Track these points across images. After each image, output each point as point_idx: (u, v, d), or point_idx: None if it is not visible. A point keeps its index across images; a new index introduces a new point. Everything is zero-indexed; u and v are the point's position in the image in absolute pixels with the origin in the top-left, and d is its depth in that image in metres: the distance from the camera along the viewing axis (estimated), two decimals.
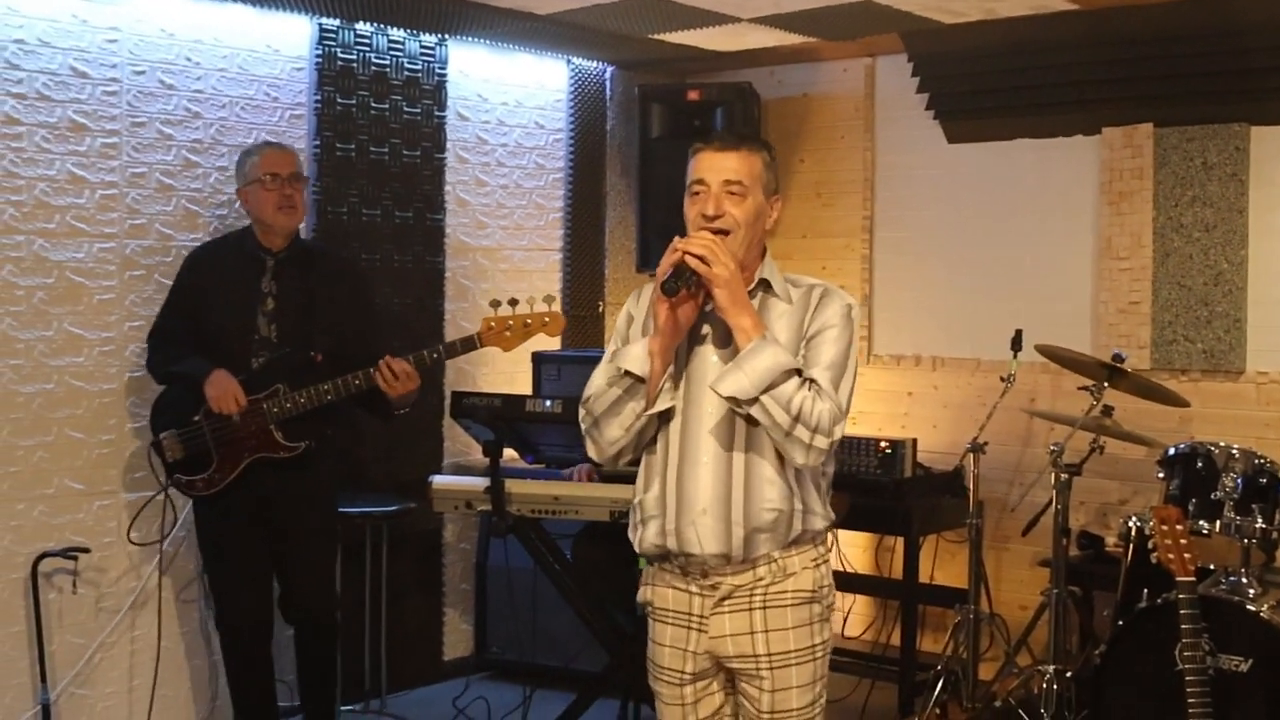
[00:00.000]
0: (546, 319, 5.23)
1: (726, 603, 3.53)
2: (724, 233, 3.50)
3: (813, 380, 3.40)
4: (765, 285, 3.58)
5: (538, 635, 6.73)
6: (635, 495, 3.64)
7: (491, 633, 7.03)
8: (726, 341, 3.48)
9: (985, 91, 7.13)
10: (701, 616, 3.54)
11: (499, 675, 6.97)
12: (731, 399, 3.34)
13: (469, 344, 5.27)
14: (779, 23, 6.62)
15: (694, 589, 3.55)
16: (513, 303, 5.21)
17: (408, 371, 5.23)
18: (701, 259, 3.40)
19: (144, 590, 5.89)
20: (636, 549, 3.65)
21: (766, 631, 3.51)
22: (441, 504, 5.70)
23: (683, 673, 3.58)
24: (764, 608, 3.51)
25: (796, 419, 3.32)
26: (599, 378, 3.58)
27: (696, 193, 3.56)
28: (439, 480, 5.78)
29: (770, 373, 3.31)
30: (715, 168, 3.55)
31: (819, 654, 3.58)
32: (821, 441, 3.36)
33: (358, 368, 5.23)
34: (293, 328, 5.41)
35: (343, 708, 6.22)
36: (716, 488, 3.47)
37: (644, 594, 3.68)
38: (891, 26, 6.77)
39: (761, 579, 3.51)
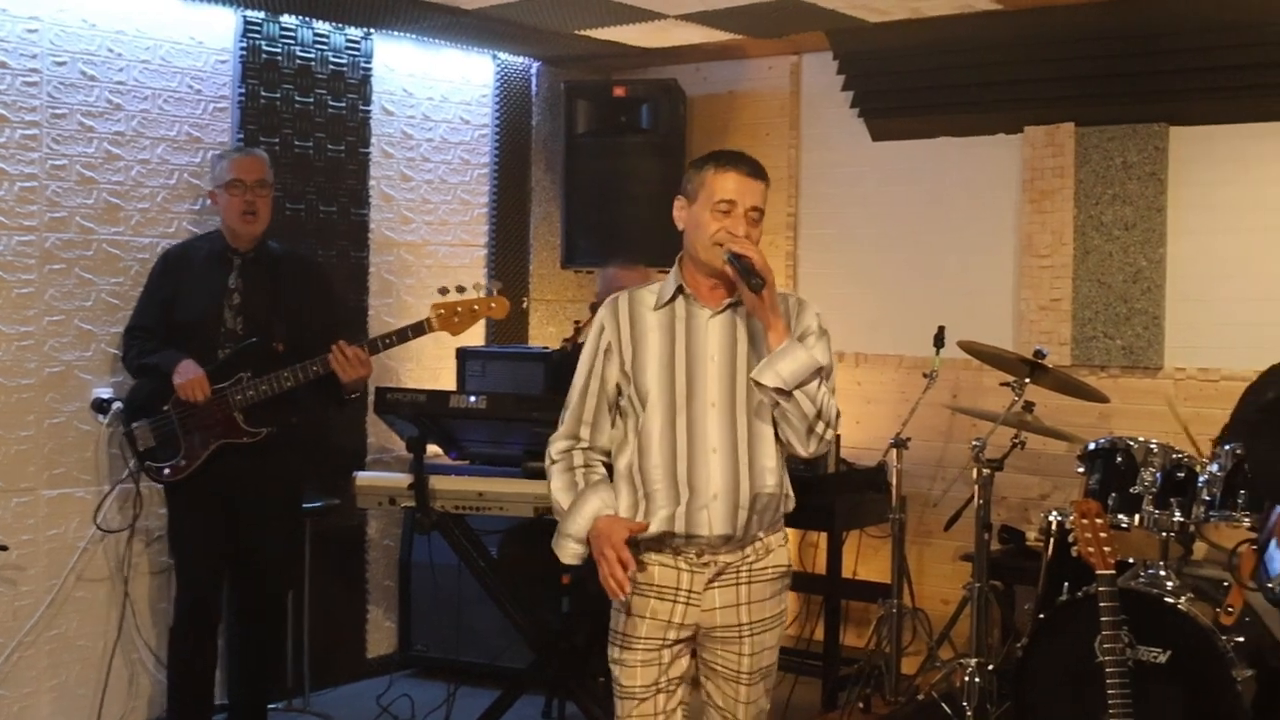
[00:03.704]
0: (493, 304, 5.51)
1: (718, 579, 3.84)
2: None
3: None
4: None
5: (462, 632, 6.71)
6: (635, 487, 3.84)
7: (416, 630, 7.00)
8: (726, 343, 3.84)
9: (909, 90, 7.18)
10: (690, 591, 3.82)
11: (423, 672, 6.95)
12: (777, 389, 3.69)
13: (419, 329, 5.48)
14: (705, 20, 6.63)
15: (683, 566, 3.83)
16: (460, 289, 5.45)
17: (359, 356, 5.45)
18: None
19: (62, 589, 5.83)
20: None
21: (750, 603, 3.88)
22: (365, 500, 5.69)
23: (663, 639, 3.84)
24: (749, 582, 3.87)
25: (819, 414, 3.75)
26: (560, 491, 3.94)
27: (725, 210, 3.78)
28: (362, 476, 5.77)
29: (806, 369, 3.71)
30: (745, 191, 3.79)
31: (783, 620, 4.04)
32: (830, 435, 3.83)
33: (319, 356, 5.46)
34: (257, 321, 5.59)
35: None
36: (727, 475, 3.78)
37: None
38: (817, 24, 6.80)
39: (748, 557, 3.87)
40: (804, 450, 3.80)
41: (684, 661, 3.90)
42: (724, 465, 3.77)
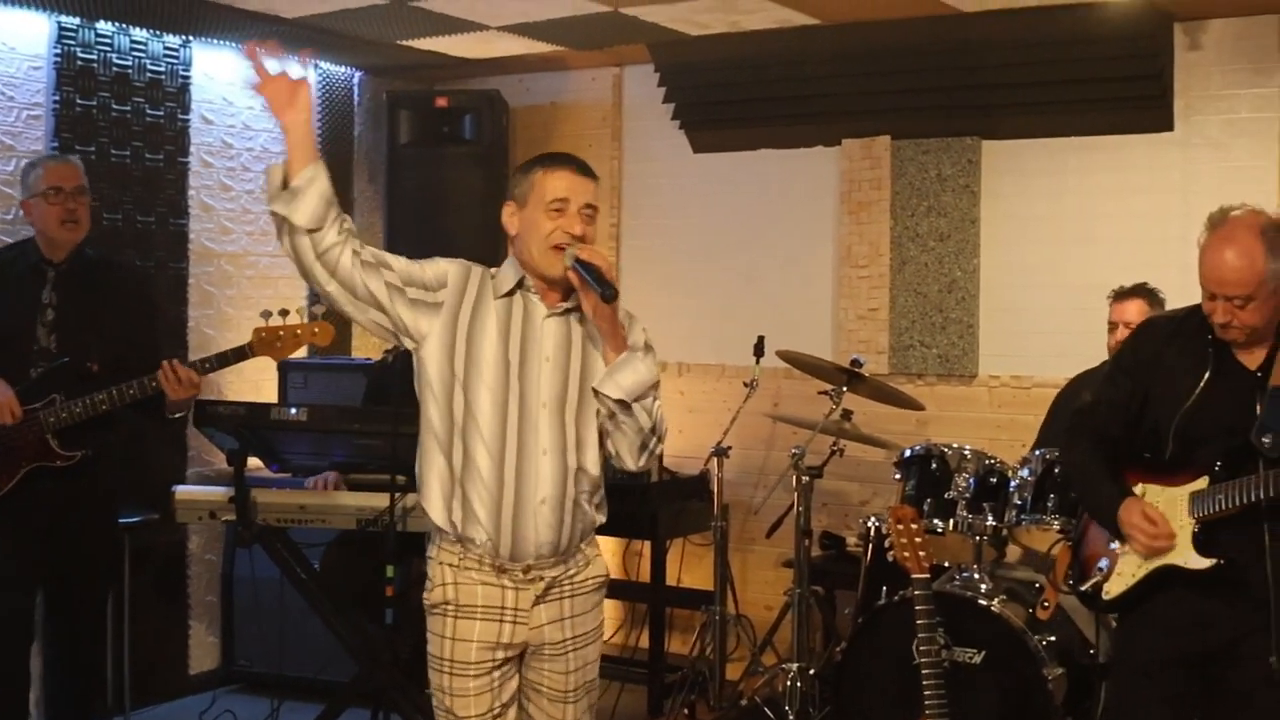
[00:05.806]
0: (316, 329, 5.25)
1: (545, 596, 3.76)
2: None
3: None
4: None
5: (286, 646, 6.63)
6: (443, 484, 3.72)
7: (239, 645, 6.93)
8: (561, 345, 3.75)
9: (729, 102, 7.27)
10: (517, 609, 3.73)
11: (247, 688, 6.87)
12: (619, 401, 3.66)
13: (241, 354, 5.26)
14: (527, 31, 6.65)
15: (508, 584, 3.72)
16: (283, 313, 5.22)
17: (191, 378, 5.21)
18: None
19: None
20: (453, 533, 3.72)
21: (573, 617, 3.82)
22: (185, 514, 5.59)
23: (493, 661, 3.73)
24: (572, 596, 3.82)
25: (653, 429, 3.75)
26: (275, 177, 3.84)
27: (559, 209, 3.70)
28: (182, 490, 5.68)
29: (646, 383, 3.70)
30: (577, 189, 3.73)
31: (602, 631, 3.98)
32: (659, 449, 3.85)
33: (138, 377, 5.19)
34: (72, 338, 5.33)
35: None
36: (555, 479, 3.71)
37: (440, 594, 3.74)
38: (638, 37, 6.85)
39: (569, 570, 3.81)
40: (634, 464, 3.78)
41: (514, 681, 3.80)
42: (554, 468, 3.69)
